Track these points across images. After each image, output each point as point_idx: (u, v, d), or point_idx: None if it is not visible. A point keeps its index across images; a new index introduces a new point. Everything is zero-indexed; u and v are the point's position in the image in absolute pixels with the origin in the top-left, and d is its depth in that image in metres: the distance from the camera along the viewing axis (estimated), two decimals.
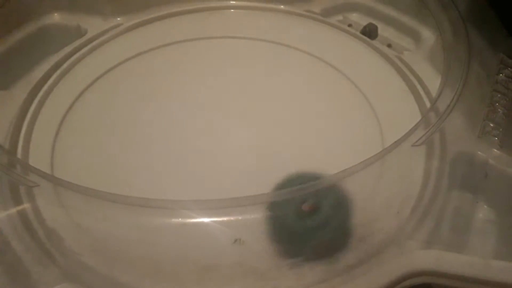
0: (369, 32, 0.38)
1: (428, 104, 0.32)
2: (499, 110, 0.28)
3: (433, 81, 0.33)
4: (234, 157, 0.30)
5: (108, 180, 0.28)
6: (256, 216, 0.24)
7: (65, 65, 0.35)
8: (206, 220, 0.24)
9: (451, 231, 0.25)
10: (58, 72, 0.34)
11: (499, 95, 0.29)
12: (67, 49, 0.36)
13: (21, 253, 0.23)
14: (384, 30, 0.38)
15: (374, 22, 0.39)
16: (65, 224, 0.24)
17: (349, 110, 0.33)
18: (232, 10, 0.40)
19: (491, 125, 0.28)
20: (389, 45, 0.37)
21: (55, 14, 0.38)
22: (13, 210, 0.25)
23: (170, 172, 0.29)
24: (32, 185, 0.25)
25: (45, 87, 0.33)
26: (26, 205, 0.25)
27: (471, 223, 0.25)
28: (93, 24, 0.38)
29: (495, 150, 0.27)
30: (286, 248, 0.24)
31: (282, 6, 0.40)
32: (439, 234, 0.24)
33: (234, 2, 0.40)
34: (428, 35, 0.36)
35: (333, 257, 0.23)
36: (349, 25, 0.39)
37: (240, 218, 0.24)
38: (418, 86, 0.33)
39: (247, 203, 0.24)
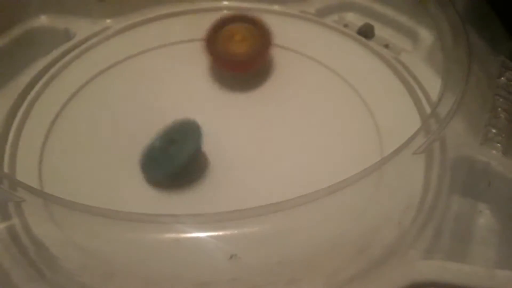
0: (366, 32, 0.37)
1: (427, 108, 0.31)
2: (501, 115, 0.27)
3: (432, 83, 0.32)
4: (231, 166, 0.29)
5: (99, 192, 0.27)
6: (253, 230, 0.23)
7: (52, 70, 0.34)
8: (201, 235, 0.23)
9: (453, 240, 0.24)
10: (45, 77, 0.33)
11: (501, 100, 0.28)
12: (55, 53, 0.35)
13: (10, 270, 0.22)
14: (380, 30, 0.38)
15: (371, 22, 0.38)
16: (55, 239, 0.24)
17: (346, 114, 0.32)
18: (225, 12, 0.39)
19: (494, 131, 0.27)
20: (386, 46, 0.37)
21: (42, 16, 0.37)
22: (1, 226, 0.24)
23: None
24: (20, 201, 0.24)
25: (32, 94, 0.32)
26: (15, 221, 0.24)
27: (473, 231, 0.25)
28: (81, 27, 0.37)
29: (498, 157, 0.26)
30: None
31: (276, 7, 0.39)
32: (440, 244, 0.24)
33: (226, 2, 0.40)
34: (426, 35, 0.36)
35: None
36: (345, 25, 0.38)
37: (236, 232, 0.23)
38: (417, 89, 0.33)
39: (244, 216, 0.23)
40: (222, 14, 0.35)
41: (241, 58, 0.33)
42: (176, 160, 0.28)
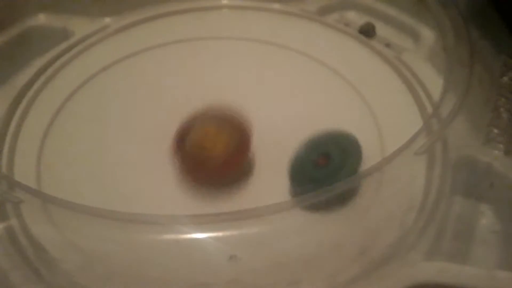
0: (367, 31, 0.37)
1: (429, 107, 0.31)
2: (503, 115, 0.27)
3: (433, 82, 0.32)
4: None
5: (97, 193, 0.27)
6: (253, 231, 0.23)
7: (50, 70, 0.34)
8: (200, 235, 0.23)
9: (455, 241, 0.24)
10: (43, 77, 0.33)
11: (503, 99, 0.28)
12: (53, 53, 0.35)
13: (8, 271, 0.22)
14: (382, 29, 0.37)
15: (372, 20, 0.38)
16: (54, 240, 0.24)
17: (347, 114, 0.32)
18: (225, 10, 0.39)
19: (496, 131, 0.27)
20: (387, 45, 0.36)
21: (40, 15, 0.37)
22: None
23: (163, 184, 0.28)
24: (18, 201, 0.25)
25: (30, 94, 0.32)
26: (14, 222, 0.24)
27: (475, 232, 0.25)
28: (79, 26, 0.37)
29: (501, 157, 0.26)
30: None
31: (276, 5, 0.39)
32: (442, 245, 0.24)
33: (226, 1, 0.40)
34: (427, 34, 0.35)
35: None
36: (346, 24, 0.38)
37: (236, 233, 0.23)
38: (418, 88, 0.32)
39: (244, 217, 0.23)
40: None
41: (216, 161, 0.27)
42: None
